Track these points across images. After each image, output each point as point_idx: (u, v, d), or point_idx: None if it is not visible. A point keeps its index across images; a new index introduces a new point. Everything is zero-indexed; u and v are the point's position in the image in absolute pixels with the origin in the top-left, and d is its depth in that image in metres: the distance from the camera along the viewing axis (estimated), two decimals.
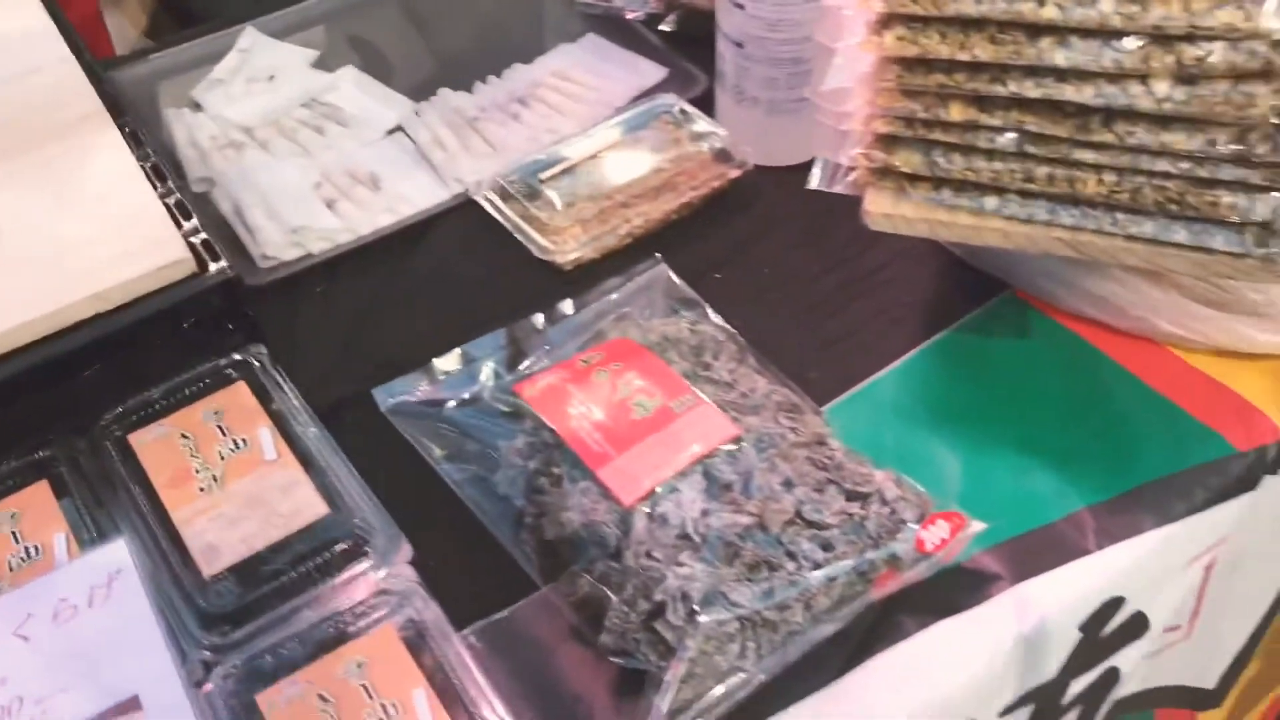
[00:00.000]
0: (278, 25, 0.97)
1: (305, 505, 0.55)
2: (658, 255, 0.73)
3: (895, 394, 0.67)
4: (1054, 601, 0.58)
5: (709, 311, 0.69)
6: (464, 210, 0.79)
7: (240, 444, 0.58)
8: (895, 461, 0.61)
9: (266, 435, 0.58)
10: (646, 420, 0.60)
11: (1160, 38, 0.50)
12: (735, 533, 0.55)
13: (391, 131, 0.87)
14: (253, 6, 1.01)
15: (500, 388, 0.65)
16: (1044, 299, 0.71)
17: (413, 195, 0.80)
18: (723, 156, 0.79)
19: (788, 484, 0.57)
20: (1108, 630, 0.62)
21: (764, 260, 0.76)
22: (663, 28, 0.91)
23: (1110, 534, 0.60)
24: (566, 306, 0.70)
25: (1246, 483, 0.64)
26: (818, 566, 0.54)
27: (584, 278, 0.74)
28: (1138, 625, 0.64)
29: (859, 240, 0.73)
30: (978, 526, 0.57)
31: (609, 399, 0.61)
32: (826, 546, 0.55)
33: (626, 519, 0.56)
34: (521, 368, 0.66)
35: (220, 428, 0.59)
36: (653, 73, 0.88)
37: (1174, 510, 0.62)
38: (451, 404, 0.65)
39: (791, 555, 0.54)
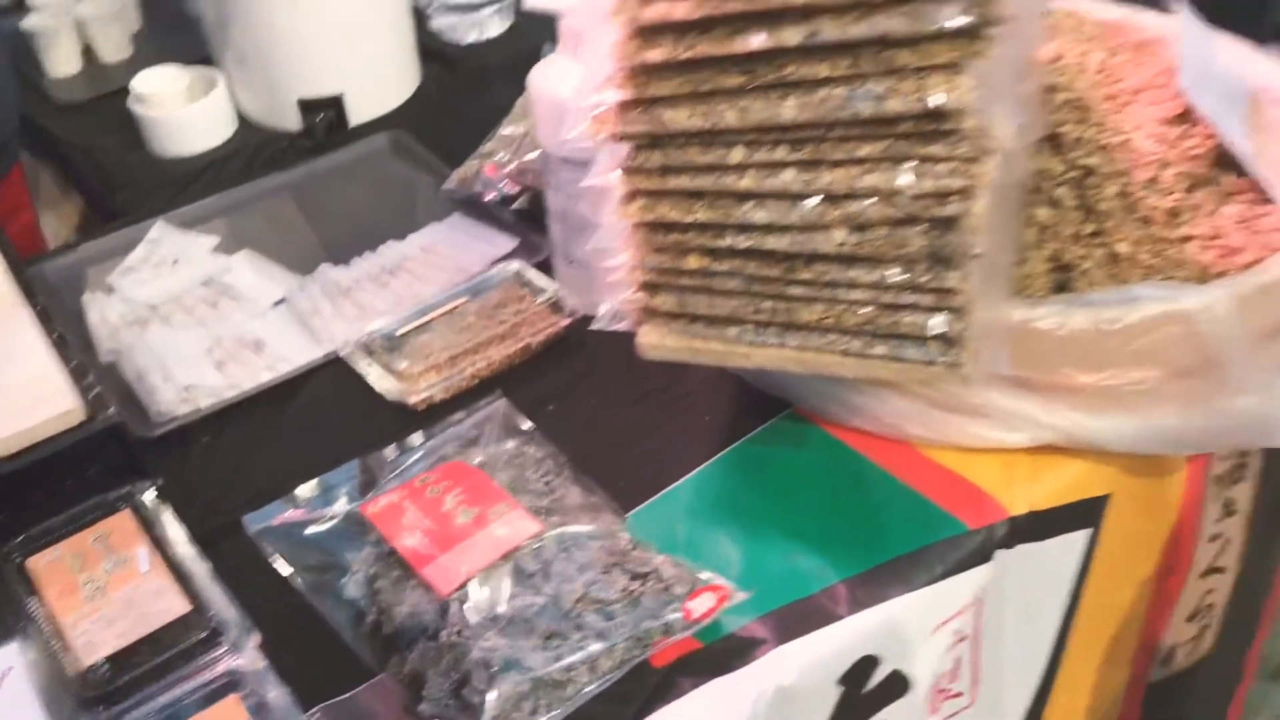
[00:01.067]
0: (185, 218, 1.12)
1: (172, 606, 0.65)
2: (499, 392, 0.86)
3: (690, 498, 0.80)
4: (810, 659, 0.69)
5: (538, 436, 0.82)
6: (334, 365, 0.92)
7: (121, 560, 0.69)
8: (685, 552, 0.73)
9: (143, 552, 0.69)
10: (466, 525, 0.72)
11: (832, 197, 0.64)
12: (533, 611, 0.66)
13: (278, 303, 1.00)
14: (166, 202, 1.16)
15: (351, 509, 0.77)
16: (816, 413, 0.84)
17: (291, 355, 0.93)
18: (556, 308, 0.93)
19: (581, 569, 0.69)
20: (869, 687, 0.73)
21: (591, 393, 0.89)
22: (515, 207, 1.06)
23: (860, 602, 0.72)
24: (416, 439, 0.83)
25: (980, 556, 0.76)
26: (600, 635, 0.65)
27: (435, 414, 0.86)
28: (898, 684, 0.75)
29: (669, 373, 0.86)
30: (741, 596, 0.69)
31: (437, 510, 0.73)
32: (608, 618, 0.66)
33: (444, 607, 0.67)
34: (371, 492, 0.78)
35: (105, 548, 0.70)
36: (505, 243, 1.03)
37: (916, 581, 0.73)
38: (309, 525, 0.77)
39: (579, 627, 0.66)
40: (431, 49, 1.38)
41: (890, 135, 0.62)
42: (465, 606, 0.67)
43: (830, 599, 0.72)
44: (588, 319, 0.93)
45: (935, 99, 0.59)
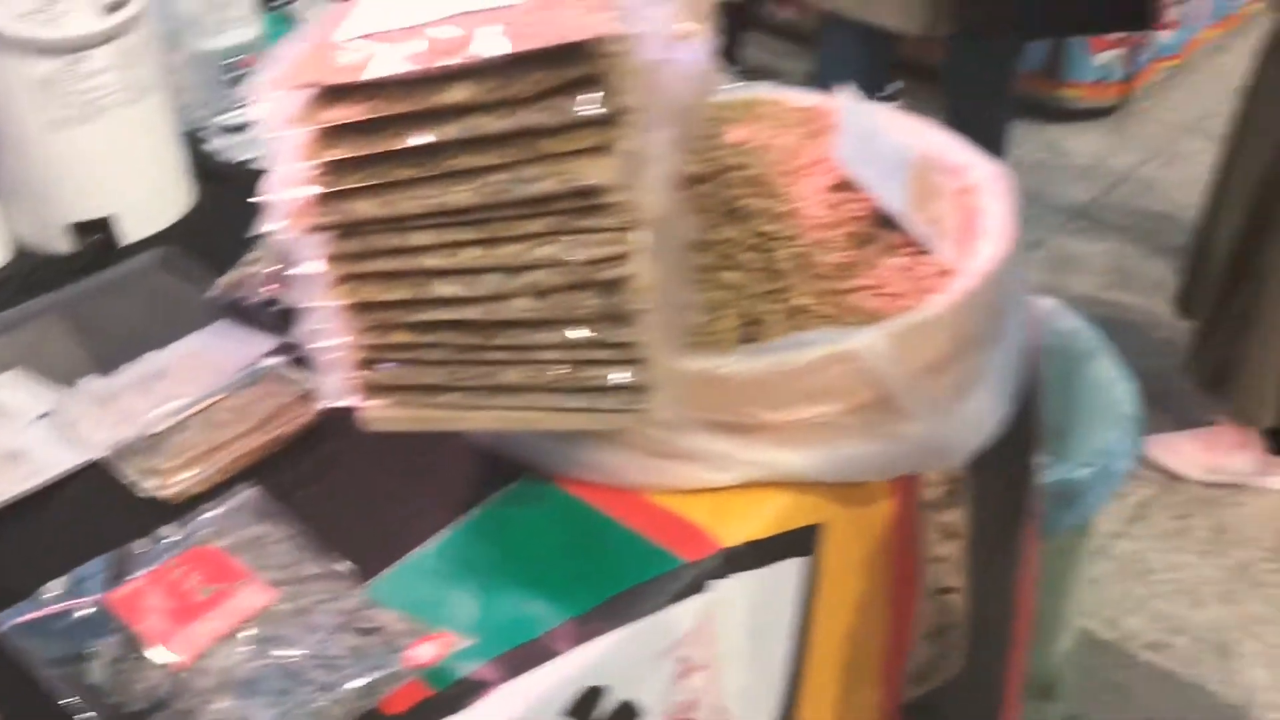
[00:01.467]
0: None
1: None
2: (251, 481, 0.91)
3: (432, 562, 0.85)
4: (536, 694, 0.75)
5: (286, 518, 0.87)
6: (94, 470, 0.95)
7: None
8: (424, 611, 0.78)
9: None
10: (205, 601, 0.76)
11: (511, 269, 0.72)
12: (264, 673, 0.71)
13: (43, 416, 1.03)
14: None
15: (98, 600, 0.80)
16: (551, 472, 0.91)
17: (51, 464, 0.96)
18: (310, 397, 0.99)
19: (311, 631, 0.73)
20: (596, 715, 0.79)
21: (343, 474, 0.94)
22: (276, 308, 1.12)
23: (582, 637, 0.78)
24: (166, 530, 0.86)
25: (696, 586, 0.83)
26: (325, 688, 0.70)
27: (191, 508, 0.90)
28: (627, 713, 0.81)
29: (418, 449, 0.93)
30: (464, 643, 0.75)
31: (178, 591, 0.77)
32: (335, 671, 0.71)
33: (180, 679, 0.71)
34: (120, 583, 0.81)
35: None
36: (265, 343, 1.08)
37: (636, 613, 0.80)
38: (58, 619, 0.79)
39: (307, 683, 0.70)
40: (208, 168, 1.43)
41: (552, 212, 0.70)
42: (199, 676, 0.70)
43: (554, 638, 0.78)
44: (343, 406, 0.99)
45: (583, 180, 0.68)
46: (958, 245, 0.93)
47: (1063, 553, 1.29)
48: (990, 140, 2.24)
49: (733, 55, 3.33)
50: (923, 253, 0.92)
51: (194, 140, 1.46)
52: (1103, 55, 3.11)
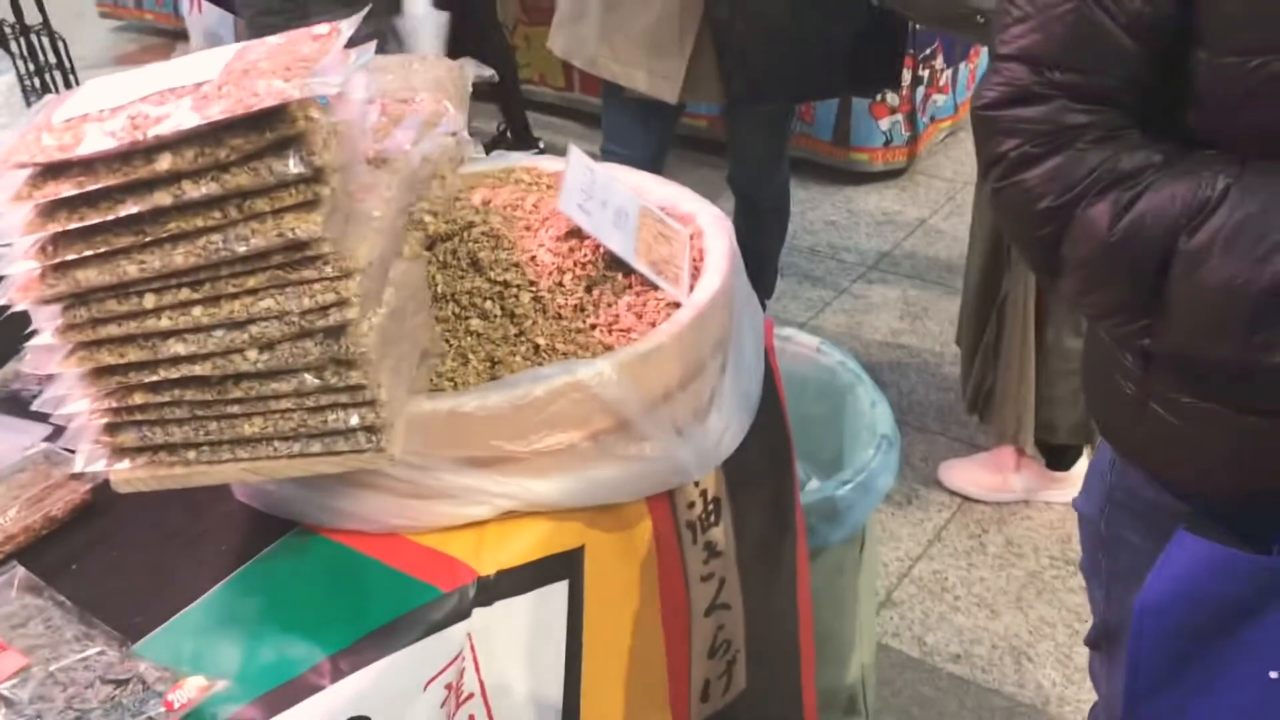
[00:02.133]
0: None
1: None
2: (14, 562, 0.92)
3: (199, 618, 0.88)
4: None
5: (49, 592, 0.88)
6: None
7: None
8: (189, 662, 0.81)
9: None
10: None
11: (237, 324, 0.77)
12: None
13: None
14: None
15: None
16: (317, 525, 0.95)
17: None
18: (78, 477, 1.01)
19: (65, 688, 0.76)
20: None
21: (115, 546, 0.96)
22: None
23: (343, 671, 0.82)
24: None
25: (457, 615, 0.88)
26: None
27: None
28: None
29: (192, 514, 0.97)
30: (220, 685, 0.78)
31: None
32: None
33: None
34: None
35: None
36: (39, 430, 1.10)
37: (396, 644, 0.84)
38: None
39: None
40: None
41: (269, 267, 0.76)
42: None
43: (316, 674, 0.82)
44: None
45: (291, 234, 0.74)
46: (685, 283, 1.02)
47: (838, 568, 1.37)
48: (774, 196, 2.39)
49: (525, 137, 3.49)
50: (651, 290, 1.00)
51: None
52: (885, 121, 3.34)
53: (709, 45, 1.99)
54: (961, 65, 3.54)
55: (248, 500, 0.98)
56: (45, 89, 2.96)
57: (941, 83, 3.46)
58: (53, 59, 2.98)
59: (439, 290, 0.98)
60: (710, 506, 1.11)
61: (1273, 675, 0.92)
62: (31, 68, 2.93)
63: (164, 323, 0.77)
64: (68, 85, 3.12)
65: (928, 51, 3.33)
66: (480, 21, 3.26)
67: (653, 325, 0.97)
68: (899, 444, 1.41)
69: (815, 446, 1.49)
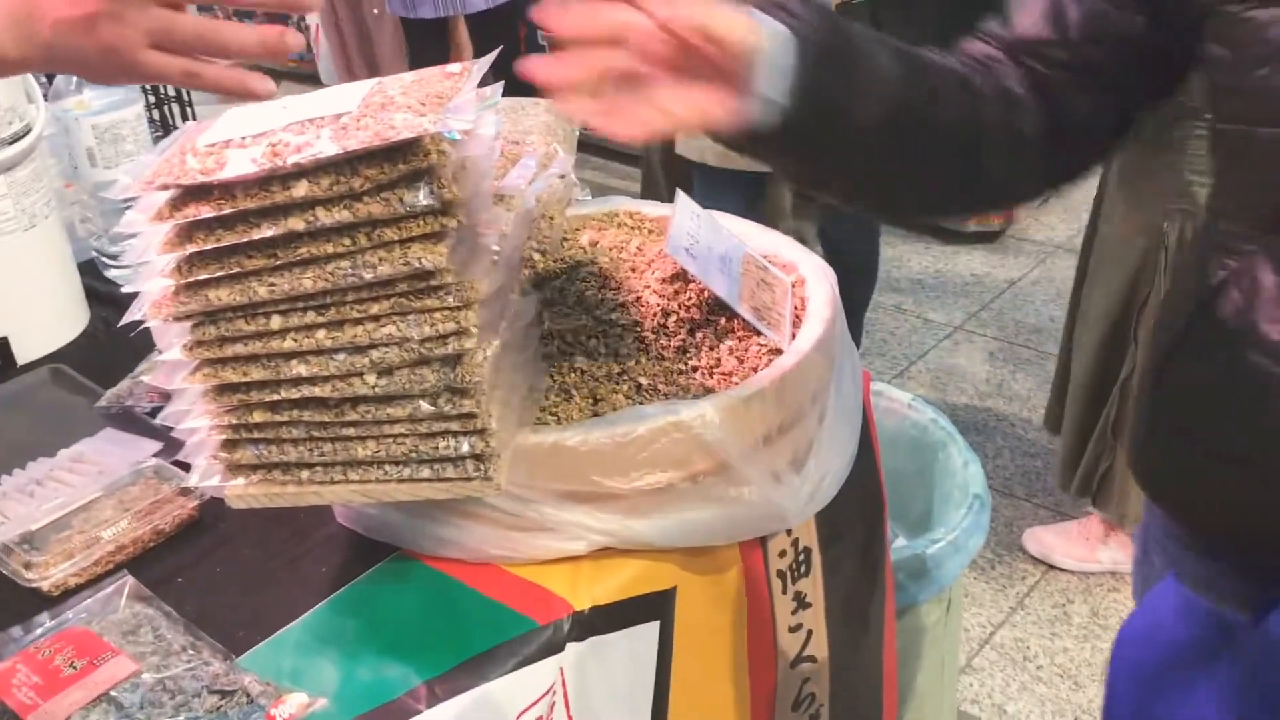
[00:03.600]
0: None
1: None
2: (124, 572, 0.95)
3: (299, 636, 0.90)
4: None
5: (157, 602, 0.91)
6: None
7: None
8: (289, 678, 0.83)
9: None
10: (74, 675, 0.80)
11: (358, 348, 0.79)
12: None
13: None
14: None
15: None
16: (417, 551, 0.96)
17: None
18: (186, 492, 1.04)
19: (173, 696, 0.78)
20: None
21: (220, 562, 0.99)
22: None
23: (439, 696, 0.83)
24: (41, 618, 0.90)
25: (550, 648, 0.89)
26: None
27: (70, 595, 0.94)
28: None
29: (295, 535, 0.99)
30: (320, 703, 0.79)
31: (46, 668, 0.81)
32: None
33: None
34: None
35: None
36: (150, 446, 1.13)
37: (491, 674, 0.85)
38: None
39: None
40: (101, 293, 1.50)
41: (393, 294, 0.78)
42: None
43: (413, 698, 0.83)
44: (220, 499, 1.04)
45: (418, 263, 0.76)
46: (786, 330, 1.02)
47: (923, 627, 1.35)
48: (865, 252, 2.38)
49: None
50: (753, 336, 1.01)
51: (94, 266, 1.53)
52: None
53: None
54: None
55: (349, 524, 1.00)
56: (165, 121, 3.08)
57: None
58: (172, 92, 3.10)
59: (546, 327, 0.99)
60: (801, 556, 1.11)
61: None
62: (152, 100, 3.06)
63: (288, 344, 0.79)
64: (184, 118, 3.25)
65: None
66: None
67: (754, 370, 0.98)
68: (989, 505, 1.39)
69: (905, 504, 1.48)
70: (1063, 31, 0.87)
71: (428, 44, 3.09)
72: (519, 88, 0.82)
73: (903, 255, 3.35)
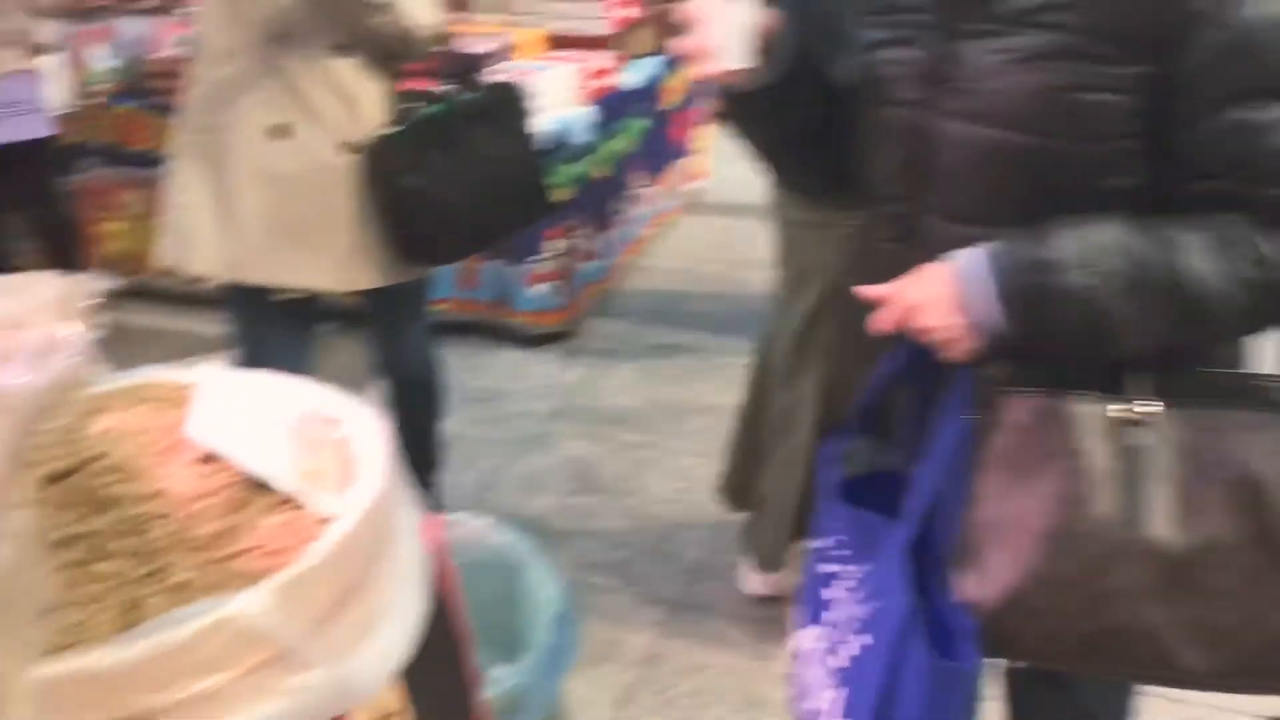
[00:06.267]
0: None
1: None
2: None
3: None
4: None
5: None
6: None
7: None
8: None
9: None
10: None
11: None
12: None
13: None
14: None
15: None
16: None
17: None
18: None
19: None
20: None
21: None
22: None
23: None
24: None
25: None
26: None
27: None
28: None
29: None
30: None
31: None
32: None
33: None
34: None
35: None
36: None
37: None
38: None
39: None
40: None
41: None
42: None
43: None
44: None
45: None
46: (337, 493, 0.99)
47: None
48: (423, 370, 2.39)
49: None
50: (301, 507, 0.97)
51: None
52: (538, 288, 3.44)
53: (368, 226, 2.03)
54: (612, 231, 3.75)
55: None
56: None
57: (591, 248, 3.63)
58: None
59: (61, 535, 0.89)
60: (392, 713, 1.07)
61: None
62: None
63: None
64: None
65: (576, 222, 3.50)
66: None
67: (306, 543, 0.93)
68: (575, 620, 1.41)
69: (495, 631, 1.47)
70: None
71: None
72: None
73: (479, 365, 3.40)
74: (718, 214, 4.43)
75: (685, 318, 3.68)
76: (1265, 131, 1.06)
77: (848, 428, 1.26)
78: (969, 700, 1.17)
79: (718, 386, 3.14)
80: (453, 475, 2.72)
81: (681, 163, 4.42)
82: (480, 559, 1.49)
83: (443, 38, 2.31)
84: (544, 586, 1.41)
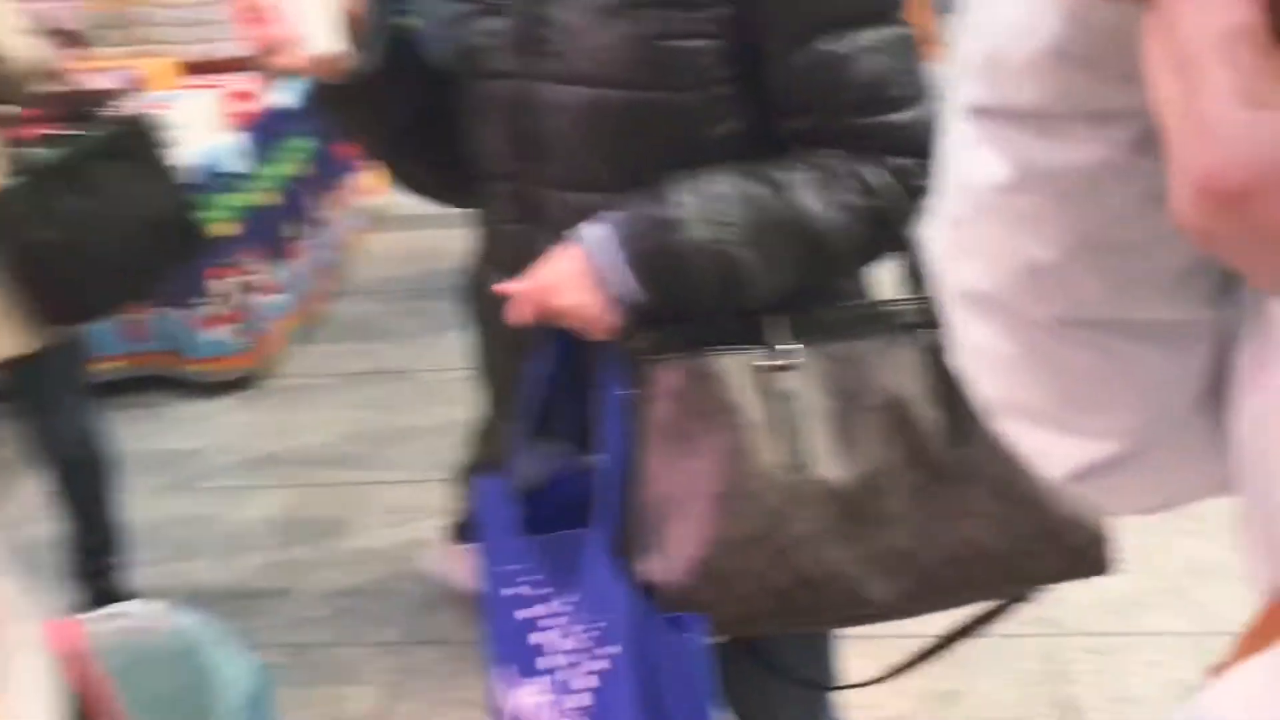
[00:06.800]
0: None
1: None
2: None
3: None
4: None
5: None
6: None
7: None
8: None
9: None
10: None
11: None
12: None
13: None
14: None
15: None
16: None
17: None
18: None
19: None
20: None
21: None
22: None
23: None
24: None
25: None
26: None
27: None
28: None
29: None
30: None
31: None
32: None
33: None
34: None
35: None
36: None
37: None
38: None
39: None
40: None
41: None
42: None
43: None
44: None
45: None
46: None
47: None
48: (80, 442, 2.15)
49: None
50: None
51: None
52: (215, 331, 3.19)
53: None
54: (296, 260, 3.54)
55: None
56: None
57: (271, 282, 3.41)
58: None
59: None
60: None
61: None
62: None
63: None
64: None
65: (246, 256, 3.26)
66: None
67: None
68: (268, 694, 1.28)
69: None
70: None
71: None
72: None
73: (158, 424, 3.11)
74: (406, 227, 4.21)
75: (386, 338, 3.52)
76: (844, 62, 1.07)
77: (507, 454, 1.18)
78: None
79: (427, 405, 3.02)
80: (142, 551, 2.47)
81: (357, 179, 4.18)
82: (155, 648, 1.32)
83: (55, 75, 2.10)
84: (230, 666, 1.27)
